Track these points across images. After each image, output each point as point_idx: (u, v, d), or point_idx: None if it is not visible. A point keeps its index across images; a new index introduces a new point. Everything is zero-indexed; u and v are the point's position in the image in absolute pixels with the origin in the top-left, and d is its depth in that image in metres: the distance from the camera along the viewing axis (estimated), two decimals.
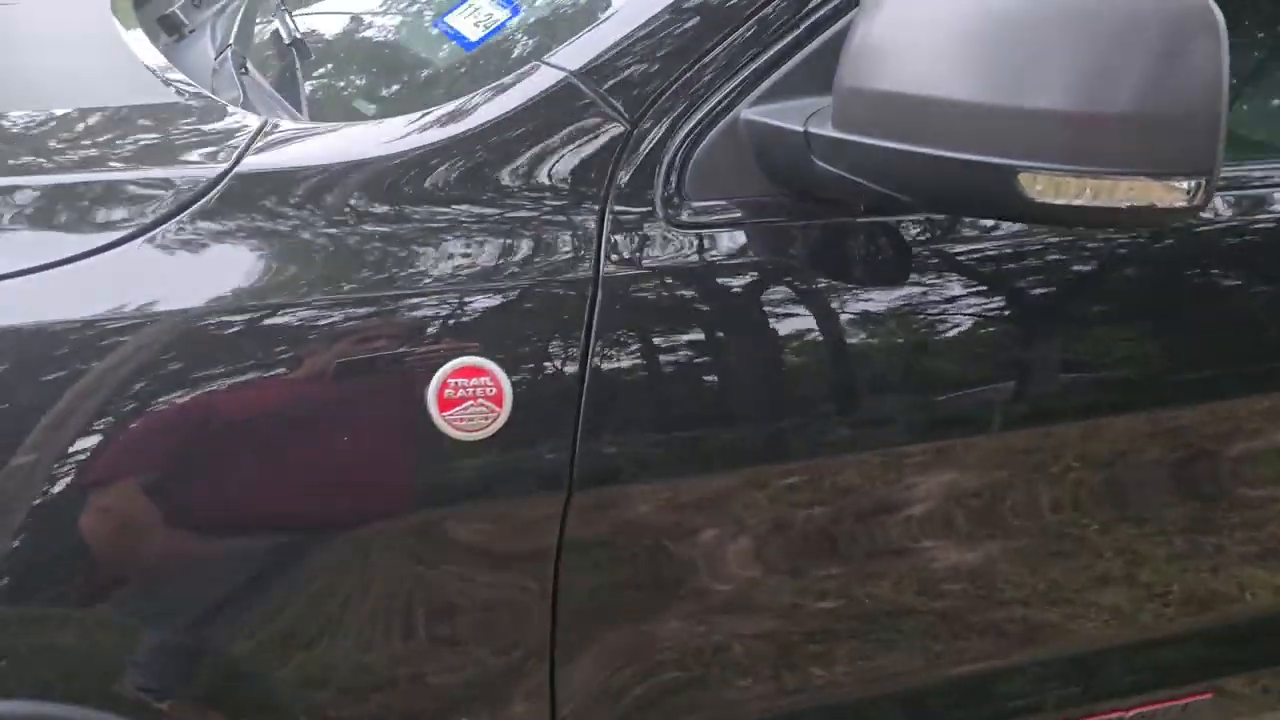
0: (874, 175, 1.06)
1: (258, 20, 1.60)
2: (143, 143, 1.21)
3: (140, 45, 1.38)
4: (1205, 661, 1.58)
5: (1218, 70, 0.95)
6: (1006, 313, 1.26)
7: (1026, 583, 1.35)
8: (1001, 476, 1.29)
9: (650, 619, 1.20)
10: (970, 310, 1.23)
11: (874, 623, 1.32)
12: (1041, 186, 0.98)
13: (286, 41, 1.43)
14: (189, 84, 1.29)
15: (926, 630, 1.34)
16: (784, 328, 1.17)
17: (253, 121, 1.16)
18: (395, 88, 1.39)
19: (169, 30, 1.62)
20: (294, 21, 1.46)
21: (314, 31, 1.52)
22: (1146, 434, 1.35)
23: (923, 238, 1.21)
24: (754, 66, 1.14)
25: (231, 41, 1.46)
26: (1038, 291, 1.28)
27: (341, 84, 1.43)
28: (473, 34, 1.27)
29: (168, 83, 1.30)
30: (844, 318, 1.18)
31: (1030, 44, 0.96)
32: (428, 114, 1.14)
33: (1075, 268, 1.29)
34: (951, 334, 1.22)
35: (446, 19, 1.32)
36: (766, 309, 1.16)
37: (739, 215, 1.16)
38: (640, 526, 1.15)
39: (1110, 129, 0.96)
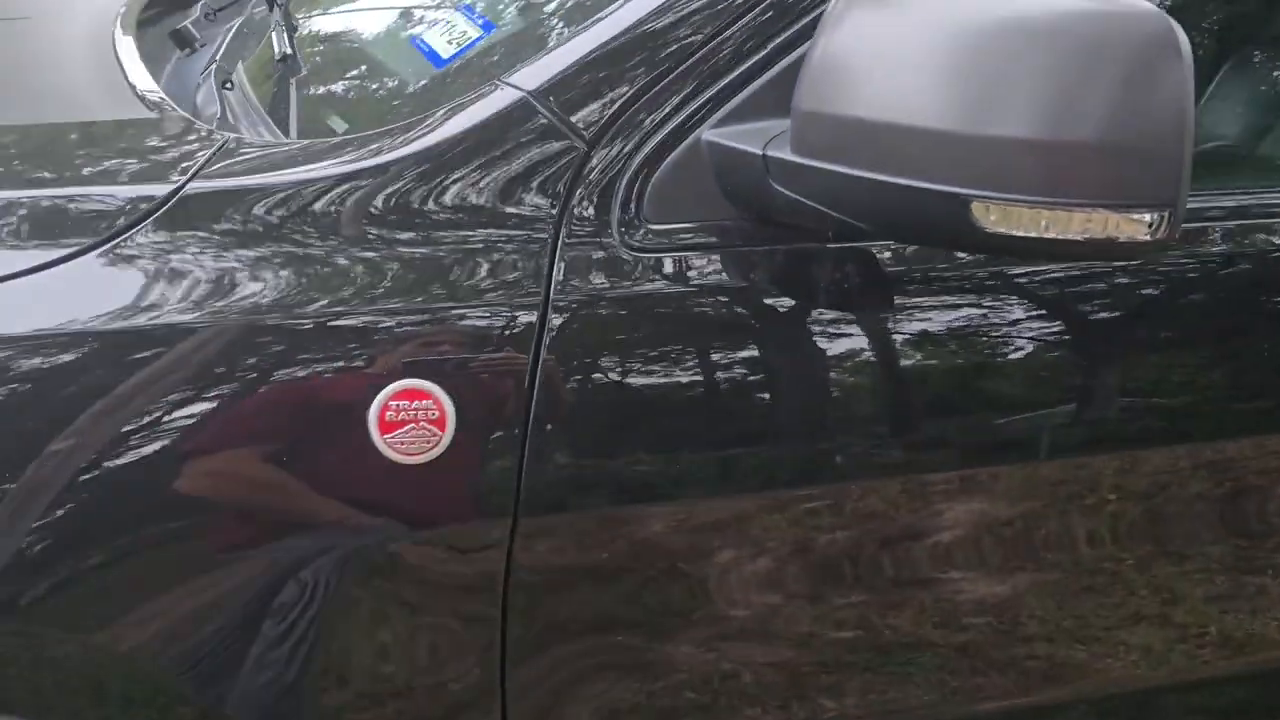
0: (830, 201, 1.03)
1: (269, 33, 1.62)
2: (103, 159, 1.22)
3: (129, 60, 1.39)
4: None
5: (1183, 98, 0.90)
6: (1001, 339, 1.21)
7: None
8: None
9: (602, 648, 1.17)
10: (942, 336, 1.18)
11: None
12: (995, 217, 0.94)
13: (277, 57, 1.44)
14: (163, 100, 1.30)
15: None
16: (742, 355, 1.13)
17: (215, 140, 1.16)
18: (366, 105, 1.39)
19: (181, 44, 1.64)
20: (288, 36, 1.47)
21: (308, 46, 1.53)
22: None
23: (891, 263, 1.17)
24: (717, 88, 1.11)
25: (218, 57, 1.48)
26: (1052, 315, 1.23)
27: (322, 101, 1.44)
28: (445, 51, 1.27)
29: (143, 99, 1.31)
30: (806, 346, 1.15)
31: (987, 70, 0.92)
32: (381, 133, 1.13)
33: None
34: (921, 361, 1.18)
35: (423, 36, 1.32)
36: (726, 336, 1.13)
37: (699, 240, 1.13)
38: (588, 554, 1.12)
39: (1069, 158, 0.92)
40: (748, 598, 1.18)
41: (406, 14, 1.46)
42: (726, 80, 1.12)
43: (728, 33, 1.12)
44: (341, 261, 1.06)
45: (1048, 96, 0.90)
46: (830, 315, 1.16)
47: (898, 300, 1.18)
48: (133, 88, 1.34)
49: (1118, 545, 1.29)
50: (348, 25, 1.61)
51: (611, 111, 1.10)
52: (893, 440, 1.20)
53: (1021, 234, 0.94)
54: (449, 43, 1.26)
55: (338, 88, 1.46)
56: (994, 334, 1.21)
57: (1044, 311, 1.23)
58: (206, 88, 1.43)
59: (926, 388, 1.20)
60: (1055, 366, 1.24)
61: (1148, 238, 0.94)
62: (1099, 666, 1.35)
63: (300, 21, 1.61)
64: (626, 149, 1.10)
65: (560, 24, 1.21)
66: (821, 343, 1.16)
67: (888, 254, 1.17)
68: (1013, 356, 1.21)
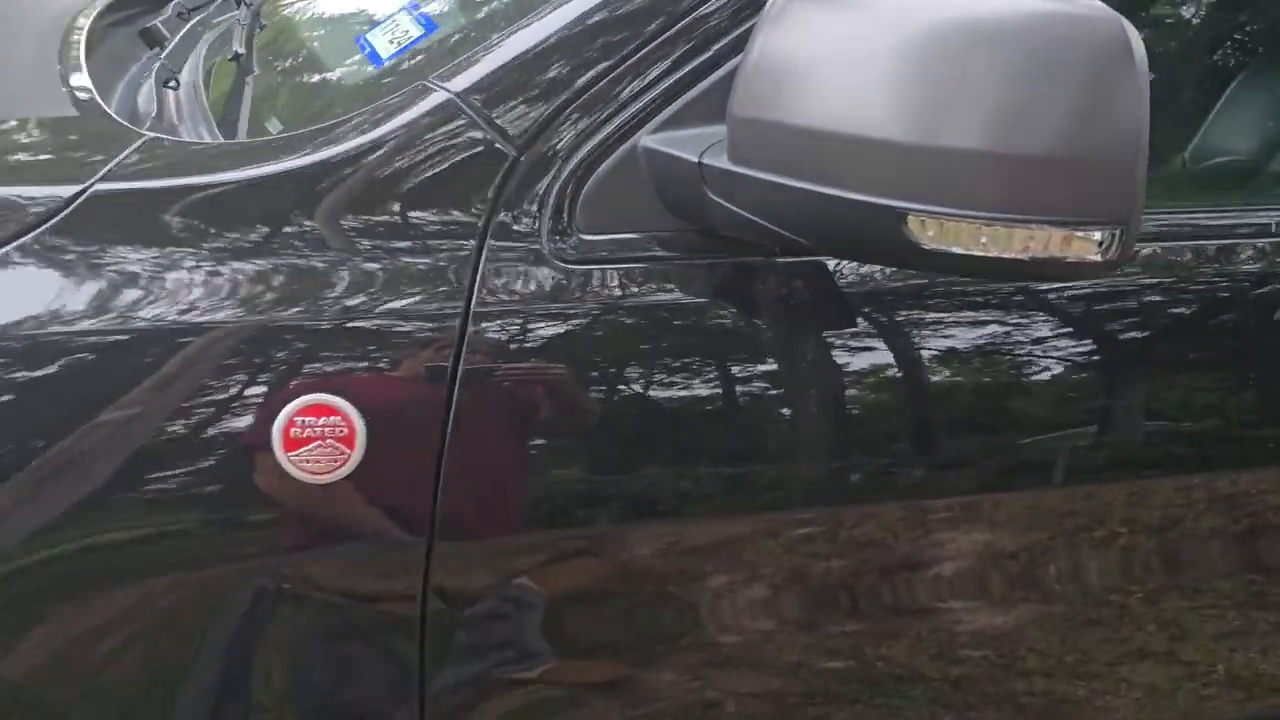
0: (766, 213, 0.96)
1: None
2: (15, 159, 1.18)
3: (73, 58, 1.35)
4: None
5: (1137, 107, 0.83)
6: (965, 361, 1.13)
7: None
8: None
9: (526, 677, 1.10)
10: (906, 357, 1.11)
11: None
12: (932, 233, 0.87)
13: (229, 56, 1.40)
14: (91, 99, 1.25)
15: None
16: (679, 374, 1.06)
17: (134, 140, 1.11)
18: (303, 106, 1.34)
19: (151, 43, 1.61)
20: (245, 34, 1.42)
21: (267, 44, 1.48)
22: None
23: (847, 278, 1.09)
24: (658, 90, 1.05)
25: (163, 56, 1.44)
26: (1044, 334, 1.15)
27: (267, 100, 1.39)
28: (385, 50, 1.21)
29: (74, 98, 1.27)
30: (750, 366, 1.07)
31: (922, 76, 0.85)
32: (305, 135, 1.07)
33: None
34: (882, 383, 1.11)
35: (368, 35, 1.27)
36: (661, 353, 1.06)
37: (637, 251, 1.06)
38: (510, 578, 1.05)
39: (1011, 171, 0.84)
40: (689, 625, 1.11)
41: (357, 12, 1.41)
42: (668, 83, 1.05)
43: (670, 32, 1.05)
44: (247, 268, 1.00)
45: (988, 105, 0.83)
46: (779, 333, 1.09)
47: (856, 318, 1.11)
48: (69, 87, 1.30)
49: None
50: (303, 23, 1.56)
51: (544, 114, 1.04)
52: (848, 465, 1.13)
53: (961, 251, 0.87)
54: (390, 42, 1.21)
55: (282, 87, 1.41)
56: (962, 354, 1.13)
57: (1030, 331, 1.15)
58: (148, 87, 1.39)
59: (888, 411, 1.13)
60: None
61: (1098, 258, 0.86)
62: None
63: (266, 19, 1.57)
64: (559, 154, 1.04)
65: (498, 22, 1.15)
66: (768, 363, 1.08)
67: (842, 269, 1.09)
68: (981, 380, 1.14)
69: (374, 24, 1.27)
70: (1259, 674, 1.32)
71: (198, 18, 1.62)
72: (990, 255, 0.87)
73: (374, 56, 1.22)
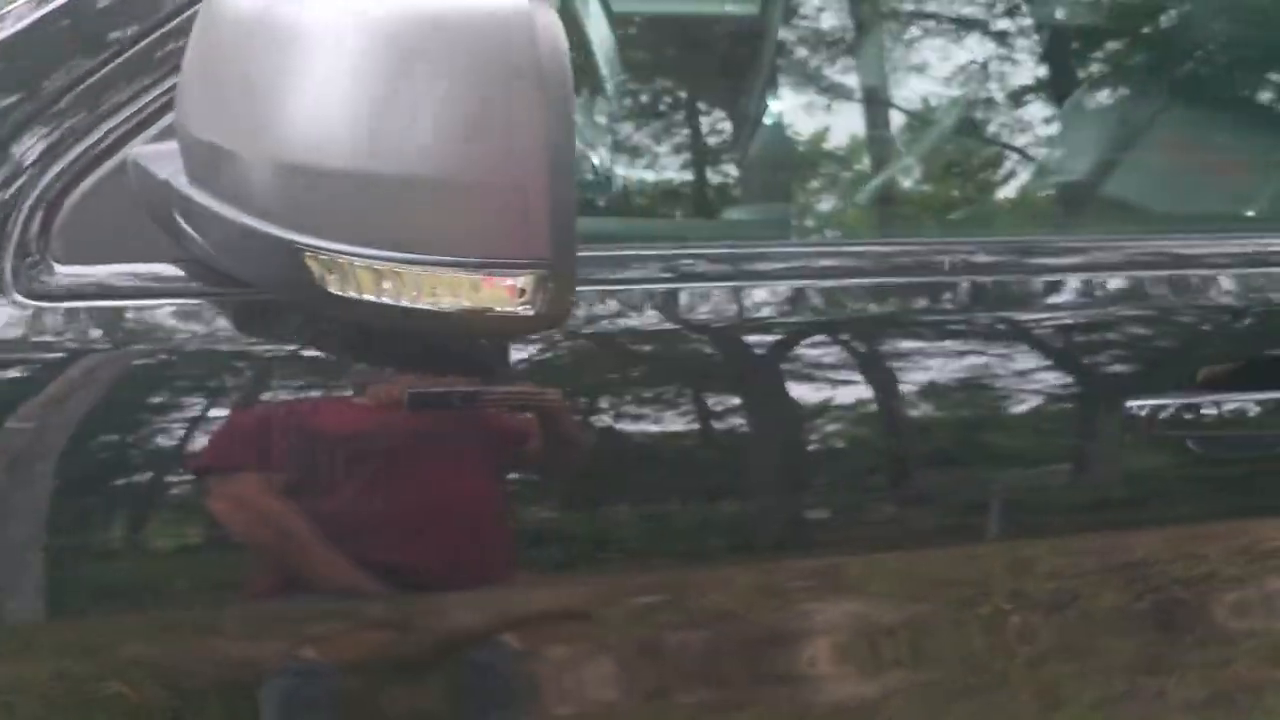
0: (217, 245, 0.78)
1: None
2: None
3: None
4: None
5: (553, 121, 0.64)
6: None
7: None
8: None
9: None
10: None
11: None
12: (334, 275, 0.69)
13: None
14: None
15: None
16: (184, 430, 0.88)
17: None
18: None
19: None
20: None
21: None
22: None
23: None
24: (154, 94, 0.88)
25: None
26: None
27: None
28: None
29: None
30: (279, 421, 0.89)
31: (294, 76, 0.67)
32: None
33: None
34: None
35: None
36: (157, 410, 0.88)
37: (132, 286, 0.88)
38: None
39: (394, 198, 0.66)
40: None
41: None
42: (168, 84, 0.87)
43: (172, 25, 0.88)
44: None
45: (362, 113, 0.65)
46: (316, 381, 0.90)
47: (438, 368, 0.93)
48: None
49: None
50: None
51: (6, 120, 0.87)
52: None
53: (372, 299, 0.69)
54: None
55: None
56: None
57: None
58: None
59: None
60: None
61: (529, 310, 0.67)
62: None
63: None
64: (25, 168, 0.87)
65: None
66: (300, 417, 0.89)
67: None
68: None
69: None
70: None
71: None
72: (403, 306, 0.68)
73: None
